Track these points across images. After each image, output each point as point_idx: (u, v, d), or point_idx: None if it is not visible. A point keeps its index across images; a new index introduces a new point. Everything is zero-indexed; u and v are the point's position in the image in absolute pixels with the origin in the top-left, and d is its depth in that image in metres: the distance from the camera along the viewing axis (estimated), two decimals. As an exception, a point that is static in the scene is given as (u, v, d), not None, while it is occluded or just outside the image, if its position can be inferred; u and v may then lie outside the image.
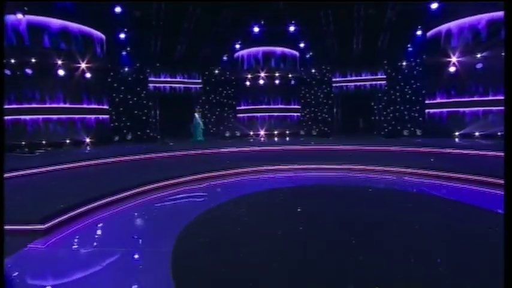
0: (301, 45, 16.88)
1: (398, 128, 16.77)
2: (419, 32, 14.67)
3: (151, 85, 17.47)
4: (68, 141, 12.51)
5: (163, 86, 17.82)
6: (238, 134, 16.85)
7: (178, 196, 5.88)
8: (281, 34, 16.10)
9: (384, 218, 3.98)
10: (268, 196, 5.36)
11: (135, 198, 5.51)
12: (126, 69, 16.44)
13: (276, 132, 17.08)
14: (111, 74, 15.72)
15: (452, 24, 12.86)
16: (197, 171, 6.77)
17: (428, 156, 8.64)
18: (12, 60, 11.79)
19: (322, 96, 19.02)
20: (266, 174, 7.35)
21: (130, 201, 5.35)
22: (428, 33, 14.13)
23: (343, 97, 18.77)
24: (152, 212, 5.00)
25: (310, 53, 18.11)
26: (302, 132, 17.54)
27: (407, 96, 16.89)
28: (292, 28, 15.43)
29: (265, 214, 4.37)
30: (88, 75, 13.23)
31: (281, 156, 9.22)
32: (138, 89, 17.00)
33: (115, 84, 16.11)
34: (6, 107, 12.10)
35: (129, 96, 16.70)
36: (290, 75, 17.61)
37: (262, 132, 17.05)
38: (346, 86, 18.50)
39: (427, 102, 14.84)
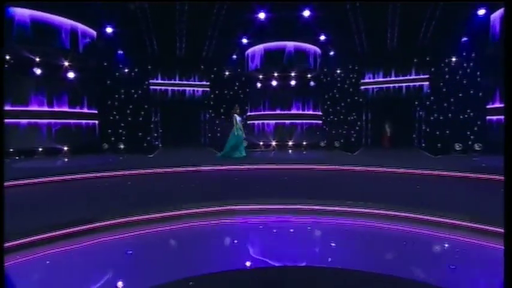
0: (322, 38, 14.13)
1: (446, 140, 13.27)
2: (480, 12, 11.26)
3: (151, 87, 15.68)
4: (40, 149, 10.86)
5: (165, 89, 15.94)
6: (245, 144, 14.36)
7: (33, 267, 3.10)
8: (299, 27, 13.55)
9: None
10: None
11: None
12: (122, 69, 14.78)
13: (290, 143, 14.38)
14: (103, 74, 14.07)
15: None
16: (125, 214, 4.24)
17: None
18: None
19: (348, 100, 16.04)
20: (246, 218, 4.56)
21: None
22: (493, 16, 10.69)
23: (375, 102, 15.62)
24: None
25: (335, 50, 15.28)
26: (322, 144, 14.65)
27: (459, 100, 13.37)
28: (310, 17, 12.84)
29: None
30: (71, 74, 11.63)
31: (282, 183, 6.55)
32: (137, 91, 15.27)
33: (108, 87, 14.45)
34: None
35: (124, 100, 15.01)
36: (309, 76, 14.90)
37: (273, 143, 14.43)
38: (379, 88, 15.34)
39: (489, 107, 11.32)
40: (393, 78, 15.00)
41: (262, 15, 12.48)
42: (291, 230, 4.12)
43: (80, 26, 11.85)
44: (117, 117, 14.97)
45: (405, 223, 3.99)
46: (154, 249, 3.55)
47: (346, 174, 7.15)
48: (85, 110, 12.43)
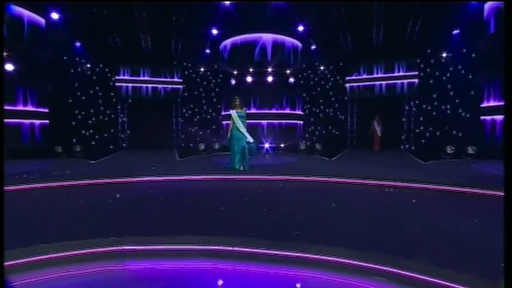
0: (301, 29, 12.85)
1: (437, 143, 12.12)
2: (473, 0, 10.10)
3: (117, 84, 14.17)
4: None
5: (133, 86, 14.44)
6: (217, 146, 13.01)
7: None
8: (277, 18, 12.28)
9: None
10: None
11: None
12: (80, 63, 13.27)
13: (267, 146, 13.03)
14: (57, 68, 12.48)
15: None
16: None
17: None
18: None
19: (332, 99, 14.82)
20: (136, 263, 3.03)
21: None
22: (488, 5, 9.53)
23: (360, 101, 14.41)
24: None
25: (317, 44, 14.03)
26: (302, 146, 13.35)
27: (450, 99, 12.25)
28: (289, 8, 11.58)
29: None
30: (10, 67, 10.08)
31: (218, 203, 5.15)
32: (98, 88, 13.78)
33: (63, 82, 12.88)
34: None
35: (83, 98, 13.50)
36: (288, 72, 13.61)
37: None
38: (364, 86, 14.13)
39: (484, 105, 10.17)
40: (380, 75, 13.81)
41: (227, 2, 11.11)
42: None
43: (18, 10, 10.30)
44: (79, 117, 13.49)
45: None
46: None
47: (311, 188, 5.82)
48: (29, 108, 10.87)
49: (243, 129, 6.72)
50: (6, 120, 10.21)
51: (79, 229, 3.45)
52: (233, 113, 6.82)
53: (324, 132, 14.87)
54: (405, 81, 13.25)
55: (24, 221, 3.76)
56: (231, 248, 3.01)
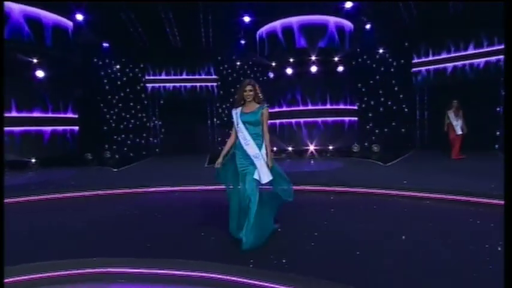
0: (350, 5, 10.41)
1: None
2: None
3: (148, 85, 13.47)
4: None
5: (164, 86, 13.60)
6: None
7: None
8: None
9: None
10: None
11: None
12: (108, 65, 12.80)
13: (312, 149, 10.94)
14: (86, 72, 12.13)
15: None
16: None
17: None
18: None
19: (395, 89, 12.01)
20: None
21: None
22: None
23: (433, 88, 11.34)
24: None
25: (371, 22, 11.42)
26: (356, 148, 10.95)
27: None
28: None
29: None
30: (40, 73, 9.82)
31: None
32: (128, 90, 13.20)
33: (92, 86, 12.51)
34: None
35: (114, 102, 13.02)
36: (336, 59, 11.27)
37: (289, 149, 11.15)
38: (437, 69, 11.05)
39: None
40: (460, 53, 10.60)
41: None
42: None
43: (45, 14, 9.96)
44: (110, 122, 13.06)
45: None
46: None
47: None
48: (60, 115, 10.58)
49: (254, 151, 3.01)
50: (37, 128, 10.03)
51: None
52: (235, 114, 3.23)
53: (385, 130, 12.11)
54: (499, 56, 9.84)
55: None
56: (232, 278, 2.43)
